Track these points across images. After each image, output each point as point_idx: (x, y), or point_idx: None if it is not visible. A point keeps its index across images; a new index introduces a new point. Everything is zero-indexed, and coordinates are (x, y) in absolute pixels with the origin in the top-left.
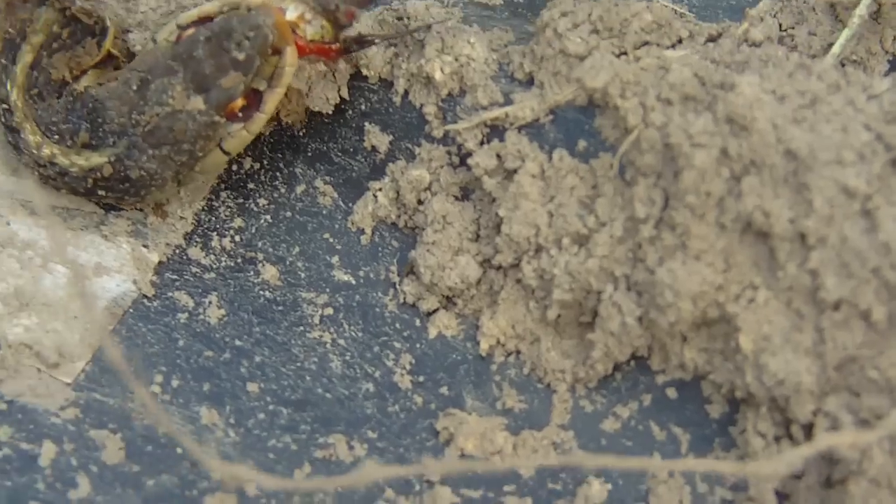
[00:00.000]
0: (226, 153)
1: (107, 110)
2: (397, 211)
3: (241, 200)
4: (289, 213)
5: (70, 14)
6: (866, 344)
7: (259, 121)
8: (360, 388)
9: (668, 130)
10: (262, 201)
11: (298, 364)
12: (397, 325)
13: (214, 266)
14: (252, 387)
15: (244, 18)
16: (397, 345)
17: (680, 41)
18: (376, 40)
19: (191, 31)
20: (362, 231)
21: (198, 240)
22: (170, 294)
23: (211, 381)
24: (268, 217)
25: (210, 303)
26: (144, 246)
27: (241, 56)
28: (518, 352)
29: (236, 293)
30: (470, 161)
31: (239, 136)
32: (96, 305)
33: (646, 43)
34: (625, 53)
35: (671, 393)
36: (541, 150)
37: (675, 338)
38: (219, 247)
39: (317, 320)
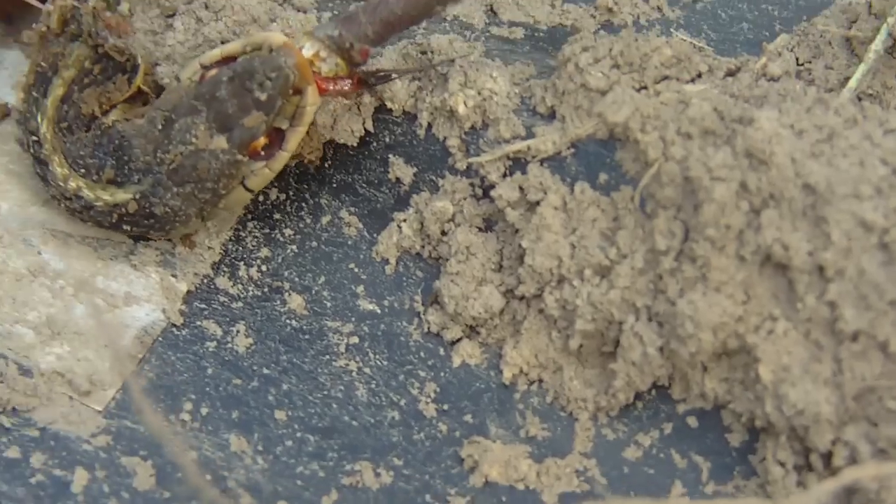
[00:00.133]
0: (249, 190)
1: (132, 148)
2: (421, 241)
3: (267, 231)
4: (314, 244)
5: (102, 51)
6: (884, 374)
7: (281, 159)
8: (386, 415)
9: (688, 164)
10: (288, 231)
11: (325, 392)
12: (422, 354)
13: (242, 295)
14: (280, 414)
15: (266, 59)
16: (422, 373)
17: (699, 75)
18: (392, 75)
19: (214, 70)
20: (387, 261)
21: (225, 269)
22: (198, 323)
23: (239, 408)
24: (294, 247)
25: (238, 331)
26: (173, 275)
27: (263, 96)
28: (541, 380)
29: (263, 322)
30: (493, 193)
31: (262, 173)
32: (126, 334)
33: (665, 77)
34: (645, 88)
35: (692, 422)
36: (563, 182)
37: (695, 368)
38: (246, 276)
39: (343, 349)
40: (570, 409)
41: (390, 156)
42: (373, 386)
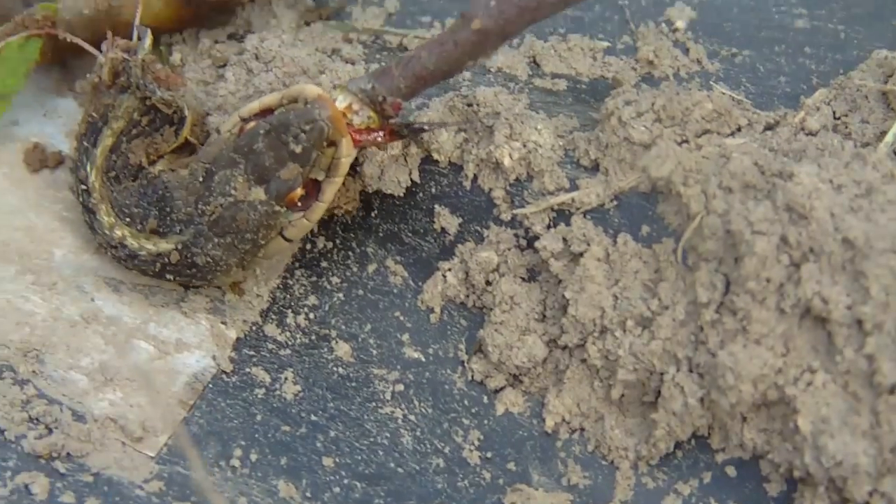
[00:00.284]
0: (287, 240)
1: (174, 200)
2: (466, 291)
3: (314, 279)
4: (361, 292)
5: (151, 103)
6: None
7: (318, 210)
8: (431, 463)
9: (729, 217)
10: (335, 280)
11: (371, 439)
12: (466, 402)
13: (290, 342)
14: (327, 461)
15: (301, 112)
16: (466, 421)
17: (739, 129)
18: (425, 127)
19: (252, 123)
20: (432, 310)
21: (274, 317)
22: (247, 370)
23: (288, 455)
24: (341, 295)
25: (286, 378)
26: (223, 322)
27: (298, 149)
28: (582, 429)
29: (311, 369)
30: (537, 244)
31: (300, 224)
32: (178, 381)
33: (706, 131)
34: (686, 141)
35: (730, 471)
36: (606, 234)
37: (735, 418)
38: (294, 324)
39: (388, 396)
40: (611, 458)
41: (436, 206)
42: (418, 433)
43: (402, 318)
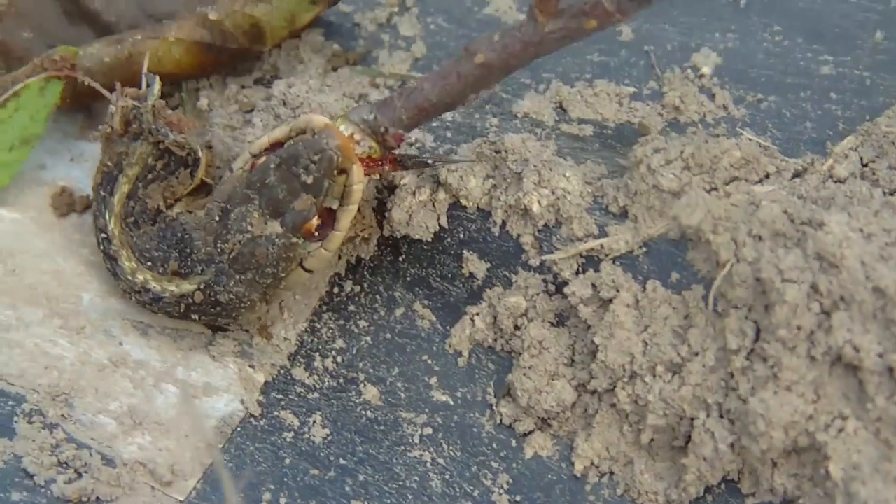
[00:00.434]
0: (308, 271)
1: (194, 241)
2: (494, 335)
3: (342, 322)
4: (388, 336)
5: (164, 146)
6: None
7: (336, 238)
8: None
9: (759, 266)
10: (362, 323)
11: (400, 483)
12: (494, 446)
13: (318, 386)
14: None
15: (309, 143)
16: (495, 464)
17: (767, 176)
18: (429, 161)
19: (263, 158)
20: (460, 353)
21: (301, 360)
22: (276, 413)
23: (317, 499)
24: (368, 339)
25: (314, 422)
26: (251, 366)
27: (309, 179)
28: (612, 473)
29: (339, 413)
30: (566, 290)
31: (318, 254)
32: (206, 424)
33: (735, 178)
34: (715, 189)
35: None
36: (635, 280)
37: (765, 463)
38: (322, 367)
39: (417, 440)
40: (640, 502)
41: (464, 251)
42: (447, 477)
43: (430, 361)
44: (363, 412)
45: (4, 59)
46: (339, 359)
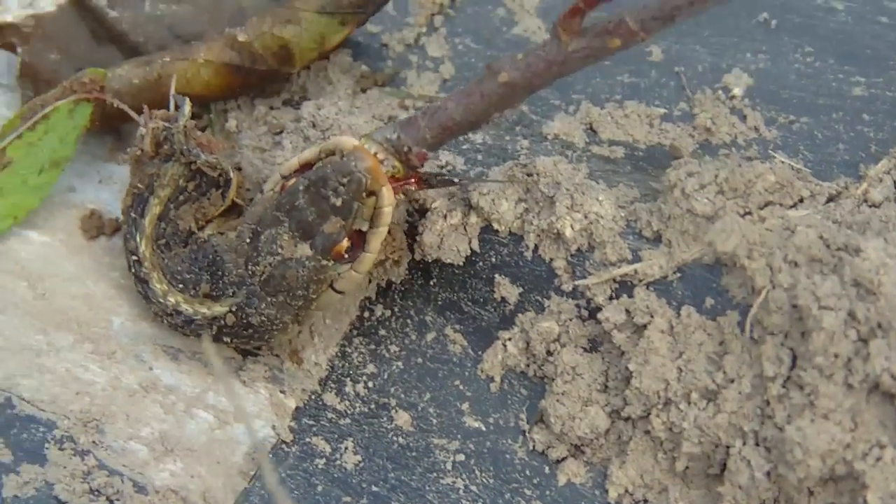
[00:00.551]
0: (339, 292)
1: (225, 263)
2: (526, 360)
3: (373, 347)
4: (420, 360)
5: (195, 168)
6: None
7: (366, 260)
8: None
9: (795, 292)
10: (393, 348)
11: None
12: (527, 472)
13: (349, 411)
14: None
15: (338, 165)
16: (527, 491)
17: (801, 200)
18: (455, 180)
19: (293, 180)
20: (492, 379)
21: (332, 385)
22: (307, 439)
23: None
24: (399, 364)
25: (346, 448)
26: (282, 391)
27: (338, 202)
28: (646, 500)
29: (371, 439)
30: (599, 315)
31: (349, 276)
32: (237, 451)
33: (769, 203)
34: (749, 213)
35: None
36: (669, 306)
37: (802, 492)
38: (353, 392)
39: (449, 466)
40: None
41: (496, 275)
42: None
43: (461, 386)
44: (395, 438)
45: (32, 80)
46: (370, 384)
